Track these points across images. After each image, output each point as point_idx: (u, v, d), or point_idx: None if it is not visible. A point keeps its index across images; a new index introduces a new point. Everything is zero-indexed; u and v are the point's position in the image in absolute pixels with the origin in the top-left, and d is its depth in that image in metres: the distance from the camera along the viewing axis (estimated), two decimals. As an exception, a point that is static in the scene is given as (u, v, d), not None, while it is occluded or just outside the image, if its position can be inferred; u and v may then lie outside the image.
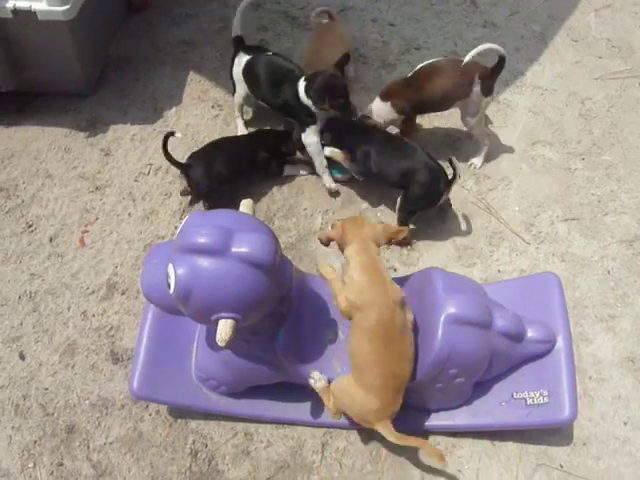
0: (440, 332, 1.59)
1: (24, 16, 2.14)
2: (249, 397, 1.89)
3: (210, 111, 2.63)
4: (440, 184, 2.16)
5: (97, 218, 2.37)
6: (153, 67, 2.76)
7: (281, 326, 1.63)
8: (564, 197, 2.40)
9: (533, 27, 2.91)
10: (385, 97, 2.39)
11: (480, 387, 1.83)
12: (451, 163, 2.16)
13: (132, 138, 2.56)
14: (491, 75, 2.28)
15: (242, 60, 2.38)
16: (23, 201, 2.40)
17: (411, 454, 1.90)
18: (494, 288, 1.87)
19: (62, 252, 2.29)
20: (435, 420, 1.87)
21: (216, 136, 2.53)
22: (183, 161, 2.28)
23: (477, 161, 2.46)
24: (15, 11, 2.12)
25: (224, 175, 2.27)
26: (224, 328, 1.40)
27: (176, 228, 2.33)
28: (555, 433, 1.92)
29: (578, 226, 2.34)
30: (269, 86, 2.32)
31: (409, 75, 2.38)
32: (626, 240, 2.31)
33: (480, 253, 2.28)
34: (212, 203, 2.30)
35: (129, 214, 2.38)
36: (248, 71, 2.38)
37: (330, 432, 1.93)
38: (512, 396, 1.80)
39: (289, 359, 1.66)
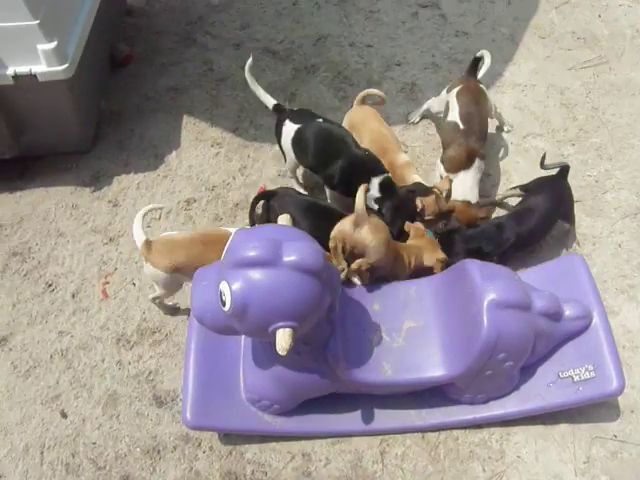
0: (485, 318, 1.64)
1: (24, 81, 2.19)
2: (302, 414, 1.90)
3: (210, 150, 2.69)
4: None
5: (116, 268, 2.38)
6: (146, 116, 2.81)
7: (331, 334, 1.66)
8: (563, 182, 2.50)
9: (502, 30, 3.06)
10: (470, 161, 2.32)
11: (526, 371, 1.87)
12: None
13: (137, 187, 2.59)
14: None
15: (290, 130, 2.31)
16: (39, 262, 2.40)
17: (470, 448, 1.92)
18: (524, 276, 1.92)
19: (86, 306, 2.28)
20: (487, 411, 1.90)
21: (221, 174, 2.59)
22: None
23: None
24: (16, 77, 2.17)
25: None
26: (283, 337, 1.43)
27: (197, 266, 2.35)
28: (603, 405, 1.97)
29: (582, 207, 2.43)
30: (320, 156, 2.27)
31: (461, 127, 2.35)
32: (630, 214, 2.42)
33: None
34: None
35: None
36: (298, 141, 2.30)
37: (386, 440, 1.95)
38: (558, 376, 1.85)
39: (340, 366, 1.69)
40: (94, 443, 1.98)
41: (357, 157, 2.23)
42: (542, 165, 2.27)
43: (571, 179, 2.32)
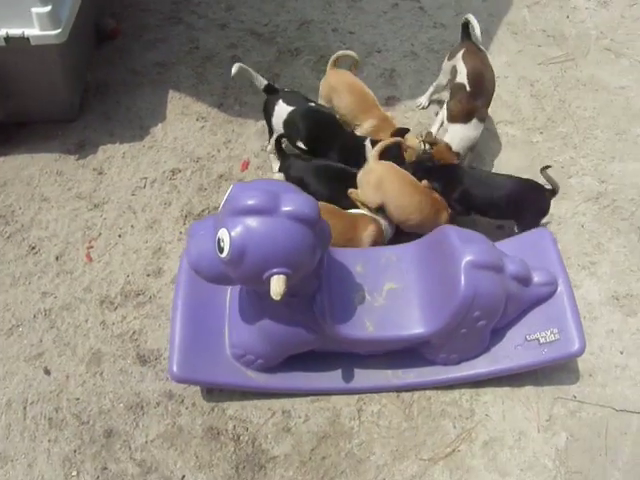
0: (463, 277, 1.75)
1: (16, 43, 2.21)
2: (284, 371, 1.98)
3: (195, 124, 2.75)
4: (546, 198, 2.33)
5: (100, 234, 2.41)
6: (132, 90, 2.85)
7: (318, 289, 1.75)
8: (531, 167, 2.65)
9: (477, 24, 3.22)
10: (467, 117, 2.45)
11: (495, 334, 2.00)
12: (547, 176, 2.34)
13: (123, 156, 2.63)
14: None
15: (283, 110, 2.41)
16: (22, 225, 2.41)
17: (442, 406, 2.03)
18: (497, 245, 2.04)
19: (70, 269, 2.31)
20: (458, 372, 2.02)
21: (205, 146, 2.65)
22: None
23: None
24: (7, 39, 2.19)
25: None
26: (278, 283, 1.51)
27: (181, 233, 2.41)
28: (564, 369, 2.11)
29: (548, 189, 2.60)
30: (314, 140, 2.40)
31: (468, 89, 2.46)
32: (591, 197, 2.58)
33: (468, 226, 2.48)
34: None
35: (132, 226, 2.43)
36: (291, 123, 2.40)
37: (363, 398, 2.04)
38: (525, 338, 1.98)
39: (326, 320, 1.78)
40: (77, 399, 2.02)
41: (351, 139, 2.40)
42: (542, 170, 2.37)
43: (538, 165, 2.48)
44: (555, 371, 2.10)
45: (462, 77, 2.47)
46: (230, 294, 2.04)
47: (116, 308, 2.22)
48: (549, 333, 1.94)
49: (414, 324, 1.87)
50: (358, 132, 2.52)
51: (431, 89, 2.81)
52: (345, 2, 3.29)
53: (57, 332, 2.16)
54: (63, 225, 2.43)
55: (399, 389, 2.04)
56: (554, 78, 2.98)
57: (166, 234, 2.41)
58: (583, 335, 1.93)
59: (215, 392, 2.03)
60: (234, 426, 1.98)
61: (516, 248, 2.06)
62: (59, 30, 2.22)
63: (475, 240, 1.86)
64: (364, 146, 2.38)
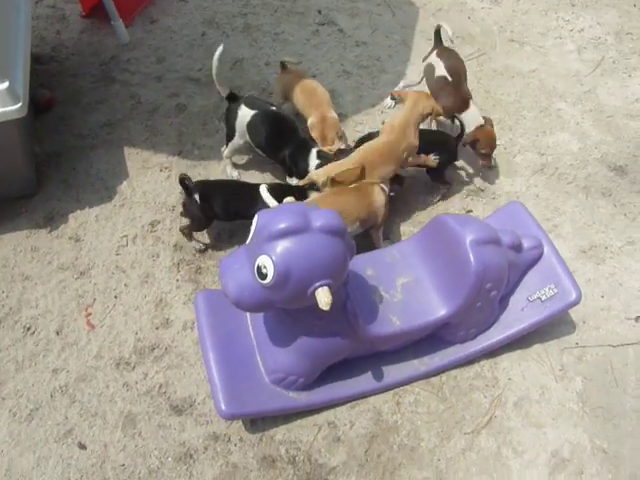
0: (471, 255, 1.92)
1: (-23, 124, 2.16)
2: (322, 385, 2.05)
3: (160, 174, 2.77)
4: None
5: (95, 299, 2.37)
6: (85, 153, 2.83)
7: (347, 296, 1.85)
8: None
9: (394, 37, 3.48)
10: (464, 104, 2.73)
11: (501, 303, 2.18)
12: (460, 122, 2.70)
13: (96, 219, 2.60)
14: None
15: (246, 114, 2.58)
16: (11, 309, 2.32)
17: (468, 382, 2.18)
18: (482, 222, 2.26)
19: (74, 340, 2.26)
20: (476, 345, 2.18)
21: (176, 194, 2.68)
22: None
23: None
24: (-33, 122, 2.14)
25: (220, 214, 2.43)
26: (324, 294, 1.61)
27: (178, 280, 2.42)
28: (561, 323, 2.34)
29: (501, 171, 2.86)
30: (272, 141, 2.59)
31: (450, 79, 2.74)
32: (537, 170, 2.87)
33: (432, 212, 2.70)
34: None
35: (125, 285, 2.41)
36: (254, 125, 2.58)
37: (397, 392, 2.15)
38: (528, 300, 2.18)
39: (359, 324, 1.88)
40: (122, 465, 1.98)
41: (301, 145, 2.58)
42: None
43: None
44: (555, 326, 2.32)
45: (441, 71, 2.76)
46: (250, 325, 2.10)
47: (134, 367, 2.19)
48: (547, 289, 2.15)
49: (435, 309, 2.01)
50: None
51: (398, 88, 3.07)
52: (269, 36, 3.45)
53: (81, 405, 2.10)
54: (53, 299, 2.36)
55: (428, 375, 2.17)
56: (474, 72, 3.28)
57: (163, 285, 2.41)
58: (577, 284, 2.16)
59: (258, 422, 2.06)
60: (286, 449, 2.02)
61: (499, 222, 2.27)
62: (20, 104, 2.19)
63: (470, 221, 2.05)
64: (309, 153, 2.56)
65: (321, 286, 1.61)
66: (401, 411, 2.12)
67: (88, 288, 2.41)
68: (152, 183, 2.74)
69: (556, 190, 2.79)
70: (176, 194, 2.68)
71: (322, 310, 1.61)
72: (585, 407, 2.15)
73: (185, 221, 2.48)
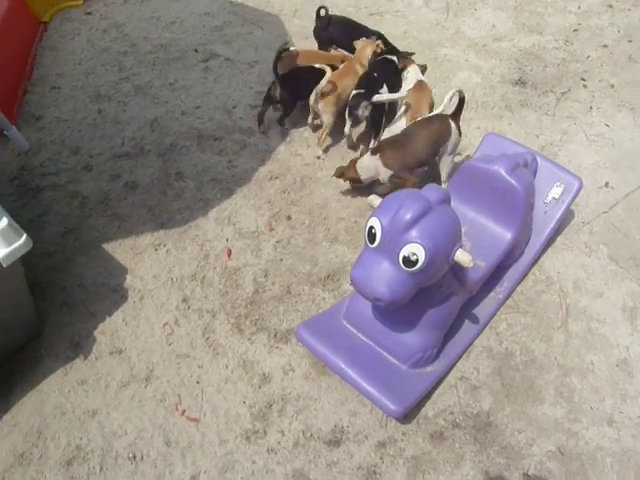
0: (513, 181, 2.20)
1: (-12, 277, 1.90)
2: (442, 349, 2.20)
3: (157, 253, 2.61)
4: None
5: (178, 395, 2.22)
6: (66, 268, 2.57)
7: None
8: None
9: (276, 46, 3.62)
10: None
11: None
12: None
13: (125, 323, 2.40)
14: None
15: None
16: (102, 449, 2.08)
17: (533, 290, 2.48)
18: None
19: (188, 442, 2.11)
20: (527, 257, 2.48)
21: (192, 263, 2.58)
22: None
23: None
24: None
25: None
26: (463, 256, 1.77)
27: (248, 338, 2.36)
28: (571, 215, 2.72)
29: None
30: None
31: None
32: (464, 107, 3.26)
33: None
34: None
35: (198, 366, 2.29)
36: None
37: (491, 325, 2.37)
38: (545, 203, 2.51)
39: (467, 279, 2.07)
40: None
41: None
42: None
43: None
44: (569, 220, 2.72)
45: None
46: (357, 332, 2.17)
47: (265, 431, 2.12)
48: (555, 187, 2.51)
49: (502, 237, 2.28)
50: None
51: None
52: (166, 90, 3.38)
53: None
54: (138, 417, 2.16)
55: (506, 299, 2.43)
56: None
57: (235, 347, 2.33)
58: (574, 174, 2.54)
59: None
60: (444, 419, 2.14)
61: (488, 154, 2.57)
62: (24, 236, 1.97)
63: (492, 158, 2.31)
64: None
65: (457, 250, 1.76)
66: (503, 339, 2.35)
67: (164, 389, 2.25)
68: (156, 264, 2.60)
69: (487, 117, 3.20)
70: (190, 262, 2.58)
71: (444, 277, 1.79)
72: (620, 264, 2.57)
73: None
